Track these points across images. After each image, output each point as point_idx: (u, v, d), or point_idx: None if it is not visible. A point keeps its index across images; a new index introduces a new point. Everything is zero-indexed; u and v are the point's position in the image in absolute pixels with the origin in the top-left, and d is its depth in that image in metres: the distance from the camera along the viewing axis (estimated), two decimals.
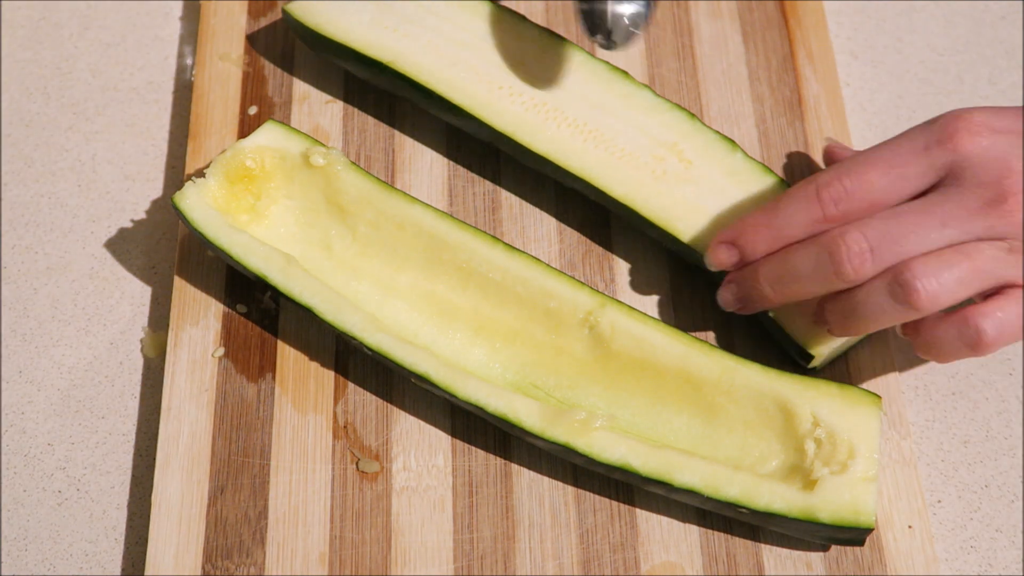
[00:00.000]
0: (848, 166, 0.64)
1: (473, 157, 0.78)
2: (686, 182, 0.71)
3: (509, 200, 0.77)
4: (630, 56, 0.81)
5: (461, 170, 0.78)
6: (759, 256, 0.67)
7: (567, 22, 0.83)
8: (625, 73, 0.74)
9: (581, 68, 0.75)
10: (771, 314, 0.69)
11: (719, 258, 0.68)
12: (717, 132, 0.73)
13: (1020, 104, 0.84)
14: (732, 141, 0.73)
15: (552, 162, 0.72)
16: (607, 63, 0.75)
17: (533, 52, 0.75)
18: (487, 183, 0.77)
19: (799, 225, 0.65)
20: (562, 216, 0.76)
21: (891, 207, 0.63)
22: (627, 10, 0.62)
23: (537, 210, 0.76)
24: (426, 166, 0.78)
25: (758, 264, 0.67)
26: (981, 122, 0.62)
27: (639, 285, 0.74)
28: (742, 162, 0.72)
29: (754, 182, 0.72)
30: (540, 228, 0.76)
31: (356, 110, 0.80)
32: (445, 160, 0.78)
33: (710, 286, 0.73)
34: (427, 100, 0.75)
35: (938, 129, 0.63)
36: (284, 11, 0.78)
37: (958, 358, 0.64)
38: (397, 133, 0.79)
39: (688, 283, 0.74)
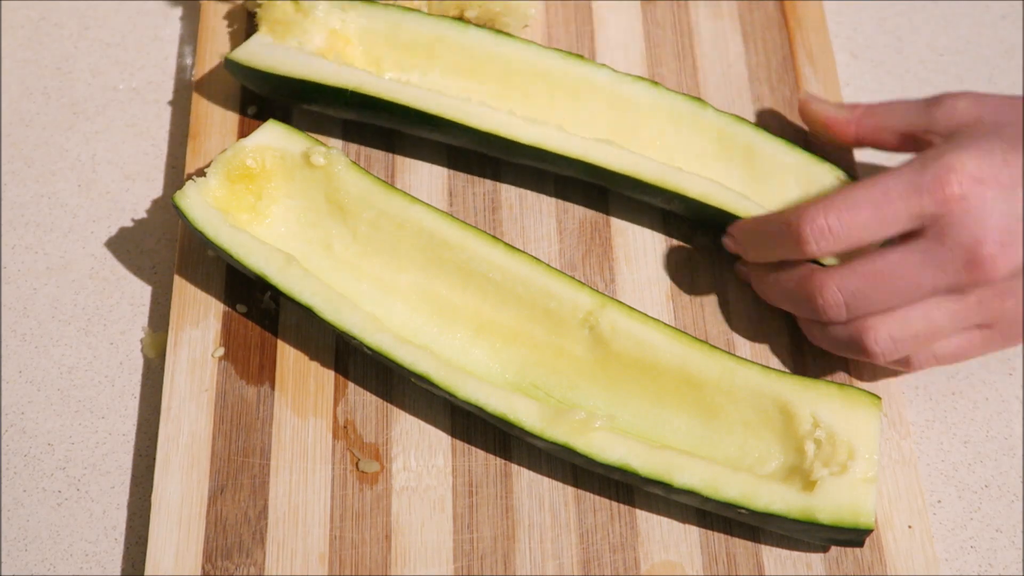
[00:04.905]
0: (837, 204, 0.65)
1: (472, 157, 0.78)
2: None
3: (509, 200, 0.77)
4: (630, 56, 0.81)
5: (461, 170, 0.78)
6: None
7: (566, 23, 0.83)
8: (580, 56, 0.76)
9: (531, 60, 0.76)
10: None
11: (728, 247, 0.72)
12: (684, 94, 0.76)
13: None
14: (701, 100, 0.75)
15: (547, 150, 0.73)
16: (555, 49, 0.76)
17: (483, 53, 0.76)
18: (487, 183, 0.77)
19: (780, 254, 0.69)
20: (562, 216, 0.76)
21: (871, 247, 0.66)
22: None
23: (537, 210, 0.76)
24: (426, 166, 0.78)
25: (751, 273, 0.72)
26: (971, 174, 0.63)
27: (639, 285, 0.74)
28: (714, 116, 0.75)
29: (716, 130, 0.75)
30: (540, 228, 0.76)
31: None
32: (445, 160, 0.78)
33: (710, 286, 0.73)
34: (414, 123, 0.75)
35: (929, 176, 0.64)
36: (228, 60, 0.76)
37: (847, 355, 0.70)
38: (397, 133, 0.79)
39: (688, 283, 0.74)
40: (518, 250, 0.69)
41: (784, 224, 0.67)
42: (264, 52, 0.75)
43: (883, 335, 0.66)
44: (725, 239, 0.72)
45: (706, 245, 0.75)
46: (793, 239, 0.66)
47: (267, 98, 0.79)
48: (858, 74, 0.85)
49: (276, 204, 0.73)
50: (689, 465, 0.63)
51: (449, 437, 0.69)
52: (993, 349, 0.68)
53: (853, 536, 0.62)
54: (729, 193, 0.72)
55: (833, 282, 0.66)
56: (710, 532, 0.66)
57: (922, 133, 0.70)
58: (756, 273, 0.71)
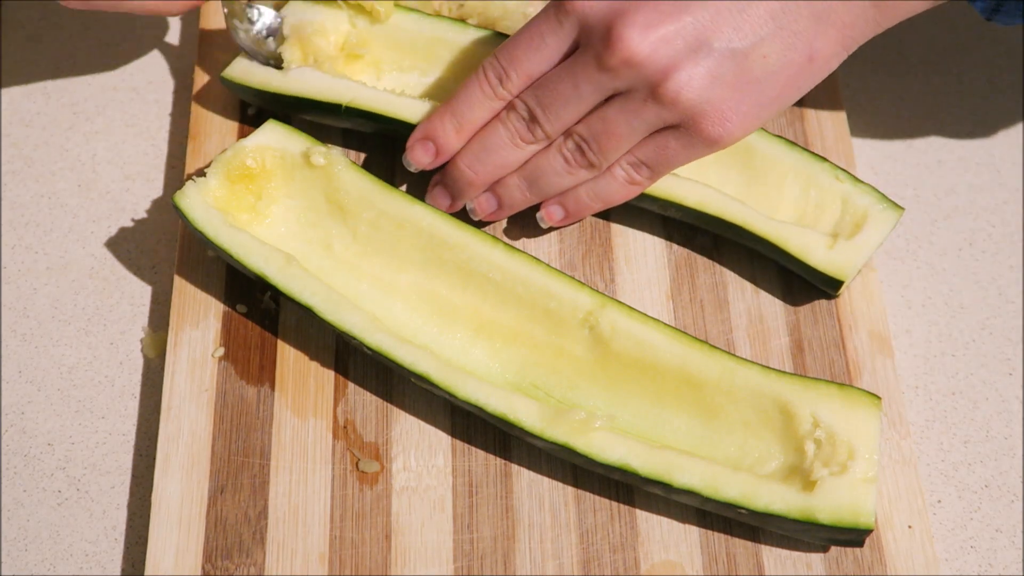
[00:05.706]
0: (502, 45, 0.69)
1: None
2: None
3: None
4: None
5: None
6: (454, 149, 0.71)
7: None
8: None
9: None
10: (795, 252, 0.70)
11: (416, 156, 0.72)
12: None
13: (1020, 105, 0.84)
14: None
15: None
16: None
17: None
18: None
19: (478, 109, 0.69)
20: None
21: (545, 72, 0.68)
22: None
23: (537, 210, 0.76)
24: None
25: (456, 155, 0.71)
26: None
27: (639, 285, 0.74)
28: None
29: None
30: (540, 228, 0.76)
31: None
32: None
33: (710, 286, 0.73)
34: (411, 129, 0.74)
35: None
36: (223, 79, 0.76)
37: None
38: (396, 136, 0.79)
39: (688, 283, 0.74)
40: (518, 250, 0.69)
41: (472, 82, 0.69)
42: (256, 67, 0.75)
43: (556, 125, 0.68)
44: (435, 196, 0.73)
45: (706, 245, 0.75)
46: (481, 87, 0.69)
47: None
48: (858, 74, 0.85)
49: (276, 204, 0.73)
50: (689, 465, 0.63)
51: (449, 437, 0.69)
52: (697, 151, 0.68)
53: (853, 536, 0.62)
54: (726, 199, 0.72)
55: (518, 99, 0.68)
56: (710, 532, 0.66)
57: None
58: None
